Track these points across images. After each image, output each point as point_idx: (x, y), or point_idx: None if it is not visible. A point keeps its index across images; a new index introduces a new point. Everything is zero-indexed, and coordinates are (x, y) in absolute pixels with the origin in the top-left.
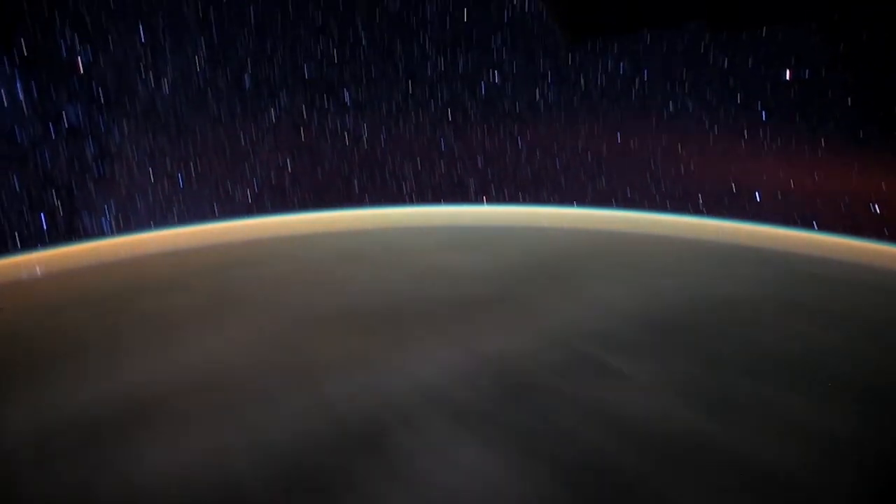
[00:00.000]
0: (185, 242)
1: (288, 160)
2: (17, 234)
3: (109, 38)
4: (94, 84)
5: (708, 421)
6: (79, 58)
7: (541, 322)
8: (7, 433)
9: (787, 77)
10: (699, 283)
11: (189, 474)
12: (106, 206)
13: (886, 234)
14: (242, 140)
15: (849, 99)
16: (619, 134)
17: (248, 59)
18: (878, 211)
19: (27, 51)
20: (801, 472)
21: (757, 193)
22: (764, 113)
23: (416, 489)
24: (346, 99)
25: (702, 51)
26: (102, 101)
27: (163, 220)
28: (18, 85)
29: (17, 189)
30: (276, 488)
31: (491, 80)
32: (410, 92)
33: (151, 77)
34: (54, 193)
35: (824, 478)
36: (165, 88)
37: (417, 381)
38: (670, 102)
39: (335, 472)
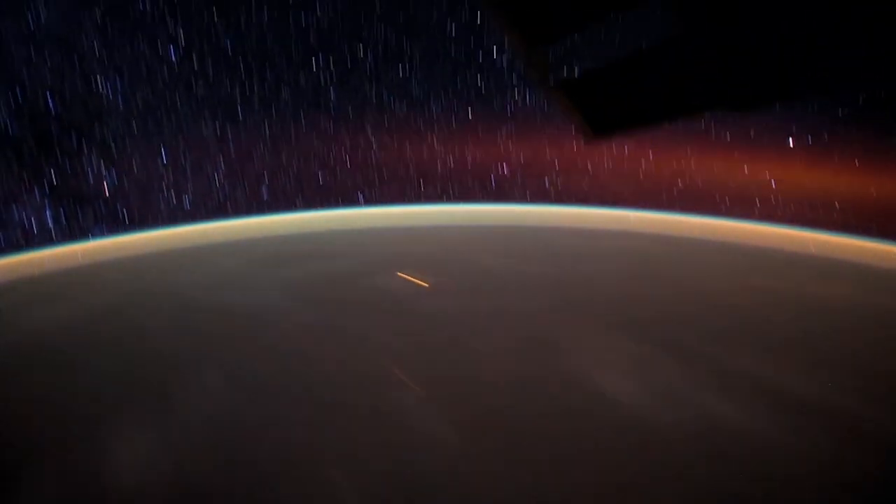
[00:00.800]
0: None
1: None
2: None
3: (133, 161)
4: (118, 206)
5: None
6: (104, 182)
7: None
8: None
9: (791, 145)
10: None
11: None
12: None
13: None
14: None
15: (856, 160)
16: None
17: (265, 172)
18: None
19: (56, 179)
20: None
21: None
22: (773, 181)
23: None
24: (360, 200)
25: (703, 126)
26: (127, 221)
27: None
28: (48, 213)
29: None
30: None
31: (500, 171)
32: (423, 189)
33: (173, 195)
34: None
35: None
36: (187, 204)
37: None
38: (678, 180)
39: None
